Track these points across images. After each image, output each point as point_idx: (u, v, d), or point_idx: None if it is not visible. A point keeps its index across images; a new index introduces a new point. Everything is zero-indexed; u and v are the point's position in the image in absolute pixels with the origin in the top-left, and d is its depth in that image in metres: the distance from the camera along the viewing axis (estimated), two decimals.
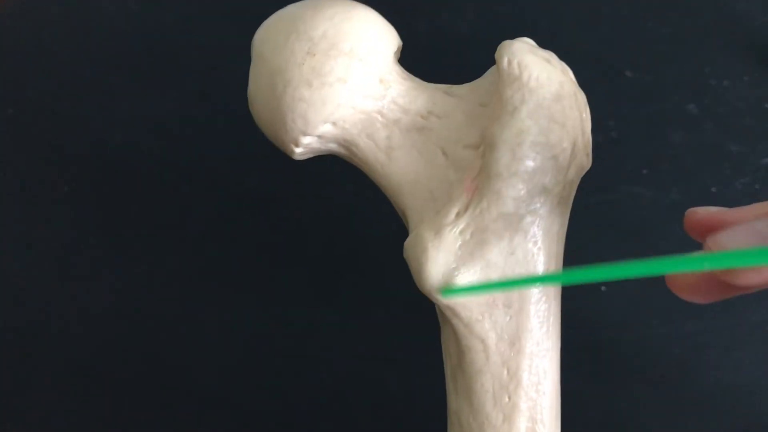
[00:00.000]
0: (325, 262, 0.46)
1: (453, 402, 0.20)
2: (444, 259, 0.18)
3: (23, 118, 0.56)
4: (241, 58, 0.60)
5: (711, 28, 0.59)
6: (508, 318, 0.18)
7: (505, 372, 0.18)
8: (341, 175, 0.50)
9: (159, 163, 0.52)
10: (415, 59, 0.61)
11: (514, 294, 0.18)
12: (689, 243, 0.46)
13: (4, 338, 0.44)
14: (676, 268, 0.20)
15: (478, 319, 0.18)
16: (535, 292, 0.19)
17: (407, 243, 0.20)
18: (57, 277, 0.47)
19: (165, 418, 0.41)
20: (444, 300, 0.18)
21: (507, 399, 0.18)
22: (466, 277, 0.18)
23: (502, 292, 0.19)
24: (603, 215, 0.47)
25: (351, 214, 0.48)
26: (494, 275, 0.18)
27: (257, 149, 0.54)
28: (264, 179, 0.50)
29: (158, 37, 0.62)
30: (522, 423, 0.18)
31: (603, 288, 0.43)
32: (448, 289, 0.18)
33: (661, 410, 0.39)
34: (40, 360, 0.43)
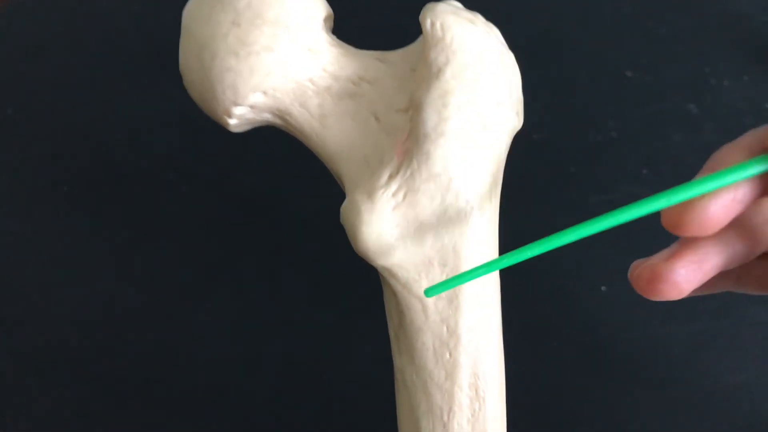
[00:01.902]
0: (325, 263, 0.46)
1: (397, 361, 0.20)
2: (378, 221, 0.18)
3: (23, 118, 0.56)
4: None
5: (711, 29, 0.59)
6: (444, 276, 0.19)
7: (445, 329, 0.18)
8: None
9: (159, 163, 0.52)
10: None
11: (449, 253, 0.19)
12: None
13: (4, 338, 0.44)
14: (657, 206, 0.19)
15: (416, 279, 0.19)
16: (468, 250, 0.19)
17: (342, 208, 0.20)
18: (57, 276, 0.47)
19: (165, 417, 0.41)
20: (380, 261, 0.18)
21: (448, 356, 0.18)
22: (399, 237, 0.18)
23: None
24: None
25: None
26: (428, 235, 0.18)
27: (257, 149, 0.54)
28: (264, 179, 0.50)
29: (158, 37, 0.62)
30: (464, 379, 0.19)
31: (603, 288, 0.43)
32: (430, 289, 0.18)
33: (661, 410, 0.39)
34: (40, 359, 0.43)
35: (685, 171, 0.49)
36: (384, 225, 0.18)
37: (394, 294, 0.19)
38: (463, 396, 0.19)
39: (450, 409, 0.18)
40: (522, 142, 0.52)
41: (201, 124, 0.55)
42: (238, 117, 0.22)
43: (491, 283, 0.20)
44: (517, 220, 0.48)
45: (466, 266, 0.19)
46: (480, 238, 0.19)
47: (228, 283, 0.46)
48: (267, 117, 0.23)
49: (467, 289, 0.19)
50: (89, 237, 0.48)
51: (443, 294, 0.18)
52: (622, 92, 0.54)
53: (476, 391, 0.19)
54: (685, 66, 0.56)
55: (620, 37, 0.59)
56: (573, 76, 0.56)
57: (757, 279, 0.24)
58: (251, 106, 0.23)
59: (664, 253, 0.21)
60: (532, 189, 0.49)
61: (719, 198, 0.19)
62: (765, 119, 0.52)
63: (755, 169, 0.19)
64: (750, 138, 0.21)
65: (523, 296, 0.43)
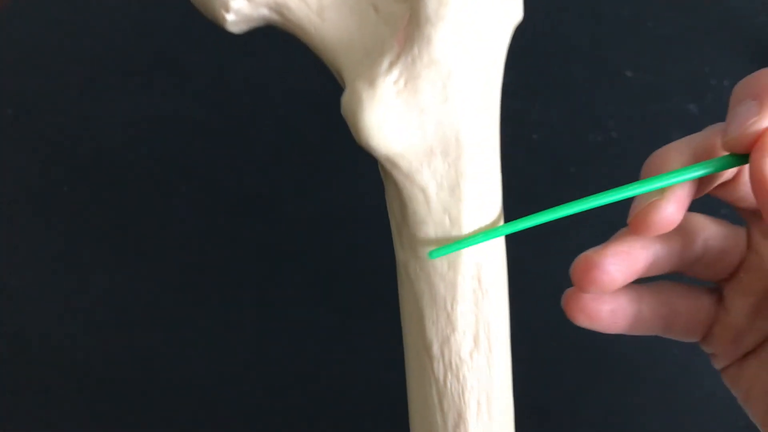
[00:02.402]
0: (325, 263, 0.46)
1: (400, 255, 0.20)
2: (380, 108, 0.18)
3: (23, 118, 0.56)
4: (242, 58, 0.61)
5: (711, 28, 0.59)
6: (446, 166, 0.19)
7: (447, 219, 0.19)
8: (341, 175, 0.50)
9: (159, 163, 0.52)
10: None
11: (452, 142, 0.19)
12: None
13: (4, 338, 0.44)
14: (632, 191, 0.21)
15: (418, 169, 0.18)
16: (470, 139, 0.19)
17: (343, 98, 0.19)
18: (56, 276, 0.47)
19: (164, 417, 0.41)
20: (383, 150, 0.18)
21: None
22: (401, 125, 0.18)
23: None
24: (603, 215, 0.47)
25: (351, 214, 0.48)
26: (430, 124, 0.18)
27: (257, 149, 0.54)
28: (264, 179, 0.50)
29: (158, 37, 0.62)
30: (467, 269, 0.19)
31: None
32: (434, 251, 0.19)
33: (661, 410, 0.39)
34: (39, 359, 0.43)
35: None
36: (386, 112, 0.18)
37: (397, 186, 0.19)
38: (466, 285, 0.19)
39: (453, 299, 0.19)
40: (522, 142, 0.52)
41: (201, 124, 0.55)
42: (236, 12, 0.21)
43: (494, 175, 0.20)
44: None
45: (467, 156, 0.19)
46: (482, 127, 0.19)
47: (228, 283, 0.46)
48: (265, 13, 0.22)
49: (469, 179, 0.19)
50: (89, 237, 0.48)
51: (445, 184, 0.18)
52: (622, 92, 0.54)
53: (479, 281, 0.19)
54: (685, 66, 0.56)
55: (620, 37, 0.59)
56: (573, 76, 0.56)
57: (683, 326, 0.25)
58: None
59: (596, 247, 0.23)
60: (532, 189, 0.49)
61: (676, 197, 0.21)
62: None
63: (706, 170, 0.20)
64: (699, 139, 0.22)
65: (523, 296, 0.42)
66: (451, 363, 0.19)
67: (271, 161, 0.52)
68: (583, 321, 0.24)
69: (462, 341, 0.19)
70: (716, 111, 0.52)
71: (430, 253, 0.19)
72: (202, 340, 0.43)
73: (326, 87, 0.56)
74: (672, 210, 0.21)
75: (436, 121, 0.18)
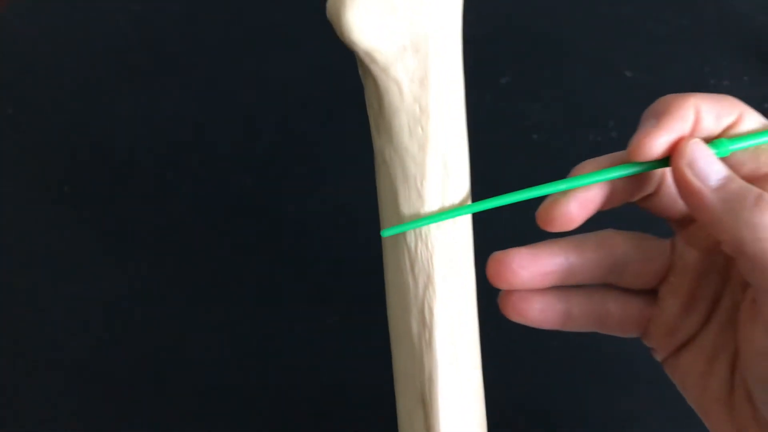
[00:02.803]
0: (324, 263, 0.46)
1: (377, 142, 0.22)
2: (359, 7, 0.20)
3: (24, 118, 0.56)
4: (242, 58, 0.61)
5: (711, 29, 0.59)
6: (416, 62, 0.21)
7: (417, 107, 0.21)
8: (340, 175, 0.50)
9: (159, 163, 0.52)
10: None
11: (422, 40, 0.21)
12: None
13: (4, 338, 0.44)
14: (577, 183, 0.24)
15: (392, 62, 0.21)
16: (438, 39, 0.21)
17: (328, 2, 0.21)
18: (56, 276, 0.47)
19: (164, 417, 0.41)
20: (363, 45, 0.20)
21: (420, 130, 0.21)
22: (378, 23, 0.20)
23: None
24: (602, 214, 0.47)
25: (350, 214, 0.48)
26: (403, 22, 0.21)
27: (257, 149, 0.54)
28: (264, 179, 0.50)
29: (158, 38, 0.62)
30: (434, 150, 0.22)
31: None
32: (388, 229, 0.22)
33: (661, 410, 0.39)
34: (38, 359, 0.43)
35: None
36: (364, 12, 0.20)
37: (374, 80, 0.21)
38: (433, 165, 0.22)
39: (423, 177, 0.22)
40: (522, 142, 0.52)
41: (201, 124, 0.55)
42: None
43: (455, 69, 0.22)
44: (518, 220, 0.48)
45: (434, 53, 0.21)
46: (447, 28, 0.21)
47: (228, 282, 0.46)
48: None
49: (436, 72, 0.21)
50: (89, 237, 0.48)
51: (415, 77, 0.21)
52: (622, 92, 0.54)
53: (445, 165, 0.22)
54: (685, 66, 0.56)
55: (620, 38, 0.59)
56: (573, 77, 0.56)
57: (617, 325, 0.27)
58: None
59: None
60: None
61: (577, 198, 0.24)
62: (765, 118, 0.52)
63: (602, 177, 0.24)
64: (610, 156, 0.26)
65: None
66: (421, 233, 0.22)
67: (271, 161, 0.52)
68: (514, 317, 0.26)
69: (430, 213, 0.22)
70: None
71: (383, 231, 0.22)
72: (202, 340, 0.43)
73: (326, 87, 0.56)
74: (571, 208, 0.23)
75: (409, 21, 0.21)
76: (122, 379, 0.42)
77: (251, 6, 0.64)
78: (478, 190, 0.52)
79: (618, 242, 0.26)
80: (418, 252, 0.22)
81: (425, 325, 0.23)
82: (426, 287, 0.22)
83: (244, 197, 0.50)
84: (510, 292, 0.26)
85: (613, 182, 0.24)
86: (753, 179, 0.23)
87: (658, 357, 0.27)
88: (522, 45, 0.58)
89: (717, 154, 0.23)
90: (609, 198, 0.25)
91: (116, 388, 0.42)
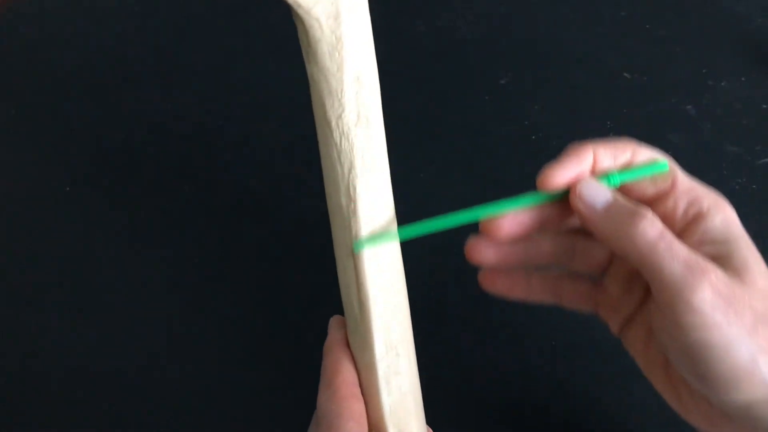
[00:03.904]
0: (324, 263, 0.46)
1: (308, 68, 0.28)
2: None
3: (25, 118, 0.56)
4: (242, 59, 0.61)
5: (709, 30, 0.59)
6: (330, 3, 0.27)
7: (334, 38, 0.28)
8: None
9: (159, 163, 0.52)
10: (415, 59, 0.61)
11: None
12: None
13: (4, 338, 0.44)
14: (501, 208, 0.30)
15: (313, 5, 0.27)
16: None
17: None
18: (57, 276, 0.47)
19: (164, 418, 0.41)
20: None
21: (337, 54, 0.28)
22: None
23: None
24: None
25: None
26: None
27: (257, 149, 0.54)
28: (264, 179, 0.50)
29: (158, 38, 0.62)
30: (349, 71, 0.28)
31: None
32: (360, 243, 0.29)
33: (661, 410, 0.40)
34: (40, 359, 0.43)
35: (683, 171, 0.50)
36: None
37: (301, 20, 0.27)
38: (349, 80, 0.28)
39: (342, 90, 0.28)
40: (522, 142, 0.52)
41: (202, 124, 0.55)
42: None
43: (362, 6, 0.28)
44: None
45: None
46: None
47: (228, 282, 0.46)
48: None
49: (344, 9, 0.27)
50: (90, 237, 0.49)
51: (331, 12, 0.27)
52: (620, 93, 0.55)
53: (358, 79, 0.28)
54: (683, 67, 0.56)
55: (618, 39, 0.59)
56: (572, 77, 0.56)
57: (571, 299, 0.33)
58: None
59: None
60: (532, 189, 0.49)
61: (505, 218, 0.30)
62: (762, 119, 0.52)
63: (522, 203, 0.30)
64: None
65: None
66: (343, 131, 0.28)
67: (271, 161, 0.52)
68: (488, 288, 0.33)
69: (349, 116, 0.28)
70: (713, 111, 0.53)
71: (356, 245, 0.29)
72: (202, 340, 0.43)
73: None
74: (503, 223, 0.30)
75: None
76: (123, 379, 0.42)
77: (252, 6, 0.64)
78: (479, 190, 0.53)
79: (566, 238, 0.32)
80: (343, 146, 0.29)
81: (351, 199, 0.29)
82: (350, 171, 0.29)
83: (244, 197, 0.50)
84: (486, 270, 0.32)
85: (540, 208, 0.30)
86: (656, 200, 0.29)
87: (614, 331, 0.32)
88: (522, 45, 0.58)
89: (609, 183, 0.29)
90: (541, 220, 0.30)
91: (116, 387, 0.42)
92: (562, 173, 0.29)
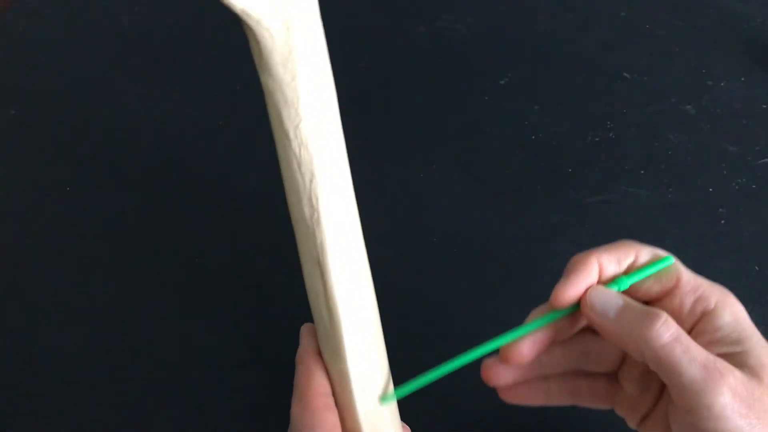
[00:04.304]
0: None
1: (262, 78, 0.28)
2: None
3: (25, 118, 0.56)
4: (241, 59, 0.61)
5: (708, 30, 0.59)
6: (280, 13, 0.27)
7: (287, 48, 0.27)
8: None
9: (159, 163, 0.52)
10: (416, 59, 0.61)
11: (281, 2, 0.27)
12: (685, 241, 0.46)
13: (4, 338, 0.44)
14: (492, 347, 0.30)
15: (264, 16, 0.26)
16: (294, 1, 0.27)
17: None
18: (57, 276, 0.47)
19: (164, 418, 0.41)
20: (240, 5, 0.26)
21: (290, 65, 0.27)
22: None
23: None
24: (601, 215, 0.48)
25: None
26: None
27: (257, 150, 0.54)
28: (264, 179, 0.51)
29: (159, 39, 0.62)
30: (304, 77, 0.27)
31: None
32: (387, 396, 0.30)
33: None
34: (40, 359, 0.43)
35: (682, 171, 0.50)
36: None
37: (252, 31, 0.27)
38: (305, 88, 0.28)
39: (298, 99, 0.27)
40: (522, 142, 0.52)
41: (201, 125, 0.55)
42: None
43: (313, 14, 0.28)
44: (517, 220, 0.48)
45: (293, 6, 0.27)
46: None
47: (228, 282, 0.46)
48: None
49: (296, 20, 0.27)
50: (91, 236, 0.49)
51: (282, 22, 0.27)
52: (620, 94, 0.55)
53: (316, 91, 0.28)
54: (683, 67, 0.56)
55: (618, 40, 0.59)
56: (572, 78, 0.56)
57: (588, 400, 0.33)
58: None
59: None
60: (531, 189, 0.49)
61: (524, 343, 0.30)
62: (762, 119, 0.53)
63: (537, 325, 0.30)
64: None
65: (522, 297, 0.43)
66: (302, 140, 0.28)
67: (271, 161, 0.52)
68: (508, 401, 0.33)
69: (307, 126, 0.28)
70: (713, 112, 0.53)
71: (383, 399, 0.30)
72: (202, 340, 0.44)
73: None
74: (522, 349, 0.30)
75: None
76: (123, 379, 0.42)
77: None
78: (479, 190, 0.53)
79: (578, 342, 0.32)
80: (303, 156, 0.28)
81: (314, 208, 0.29)
82: (311, 181, 0.29)
83: (243, 197, 0.50)
84: (505, 386, 0.33)
85: (554, 324, 0.31)
86: (661, 296, 0.30)
87: (631, 425, 0.32)
88: (521, 45, 0.58)
89: (619, 288, 0.30)
90: (555, 334, 0.31)
91: (116, 387, 0.42)
92: (573, 288, 0.29)
